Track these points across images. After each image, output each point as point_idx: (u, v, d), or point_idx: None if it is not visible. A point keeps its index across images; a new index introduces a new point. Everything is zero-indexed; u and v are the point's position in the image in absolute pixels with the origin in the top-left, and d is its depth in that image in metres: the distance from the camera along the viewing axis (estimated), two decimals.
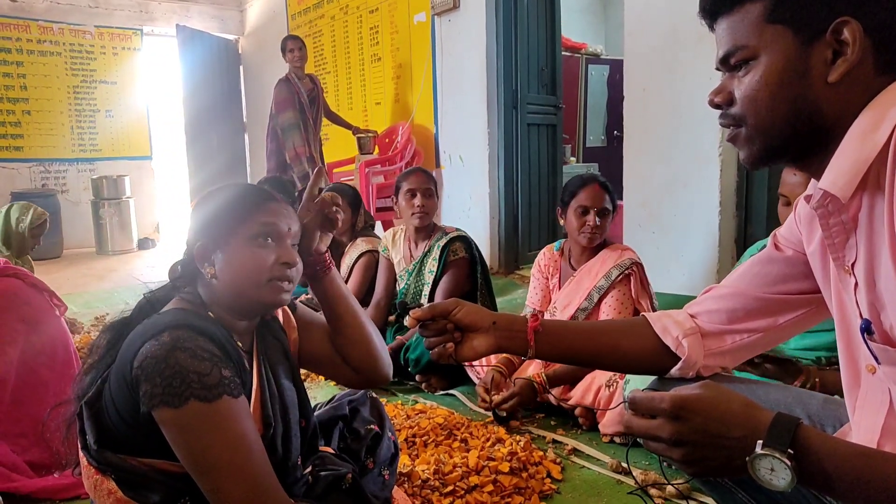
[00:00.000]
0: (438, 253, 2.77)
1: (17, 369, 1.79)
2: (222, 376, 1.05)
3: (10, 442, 1.78)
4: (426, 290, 2.78)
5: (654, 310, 2.26)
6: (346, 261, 3.19)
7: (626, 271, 2.24)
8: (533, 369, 2.32)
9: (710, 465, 0.78)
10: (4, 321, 1.79)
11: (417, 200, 2.75)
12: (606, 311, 2.25)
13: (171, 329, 1.06)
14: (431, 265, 2.78)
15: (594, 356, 1.15)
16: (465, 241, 2.81)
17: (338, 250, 3.23)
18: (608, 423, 2.03)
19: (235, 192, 1.21)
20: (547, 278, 2.51)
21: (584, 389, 2.13)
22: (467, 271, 2.79)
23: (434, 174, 3.01)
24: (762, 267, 1.05)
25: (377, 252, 3.11)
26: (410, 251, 2.91)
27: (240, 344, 1.19)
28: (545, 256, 2.53)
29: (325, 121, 5.54)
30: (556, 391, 2.20)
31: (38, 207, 3.43)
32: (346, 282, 3.14)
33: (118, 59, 7.92)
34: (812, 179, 0.89)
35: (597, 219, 2.27)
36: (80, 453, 1.16)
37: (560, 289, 2.42)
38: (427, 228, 2.85)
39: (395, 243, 2.97)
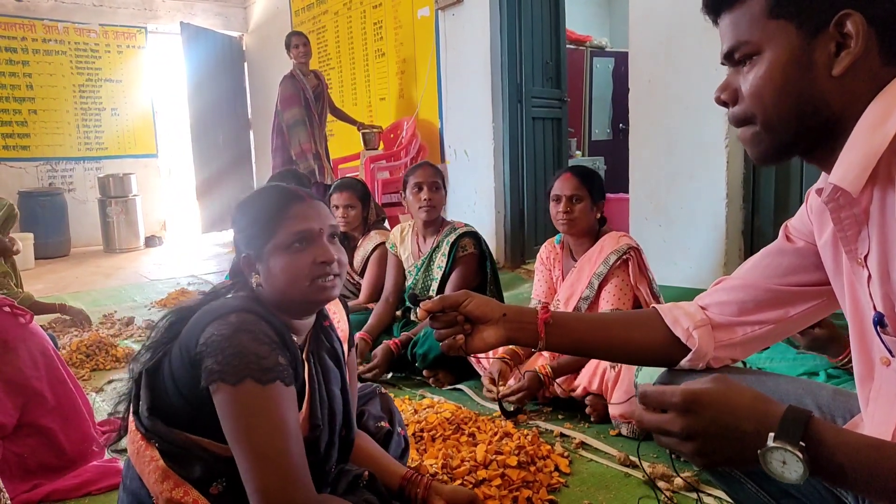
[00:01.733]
0: (447, 248, 2.76)
1: (5, 389, 1.80)
2: (278, 362, 1.09)
3: (29, 455, 1.80)
4: (434, 286, 2.78)
5: (653, 294, 2.27)
6: (360, 253, 3.20)
7: (624, 256, 2.25)
8: (540, 362, 2.32)
9: (722, 459, 0.78)
10: None
11: (424, 194, 2.75)
12: (607, 299, 2.25)
13: (237, 312, 1.11)
14: (440, 260, 2.78)
15: (604, 348, 1.14)
16: (475, 236, 2.81)
17: (350, 244, 3.24)
18: (619, 402, 2.03)
19: (262, 202, 1.24)
20: (550, 270, 2.52)
21: (590, 375, 2.13)
22: (476, 267, 2.78)
23: (441, 168, 3.01)
24: (773, 258, 1.05)
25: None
26: (419, 246, 2.91)
27: (296, 339, 1.22)
28: (546, 249, 2.55)
29: (329, 117, 5.54)
30: (561, 381, 2.20)
31: (2, 198, 3.34)
32: (362, 274, 3.17)
33: (123, 57, 7.94)
34: (823, 173, 0.88)
35: (568, 206, 2.30)
36: (130, 418, 1.19)
37: (563, 280, 2.42)
38: (435, 223, 2.84)
39: (402, 239, 2.96)
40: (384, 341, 2.69)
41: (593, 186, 2.34)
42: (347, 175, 5.56)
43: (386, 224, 3.66)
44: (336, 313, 1.42)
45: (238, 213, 1.26)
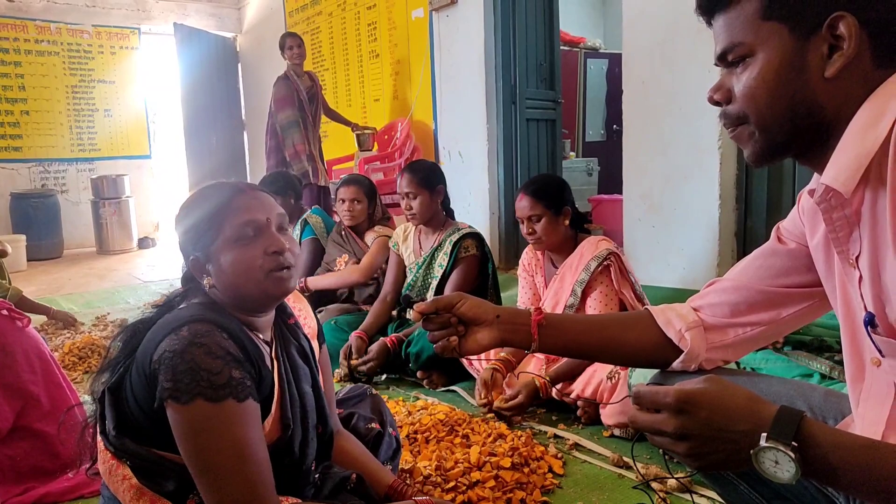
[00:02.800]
0: (450, 248, 2.77)
1: (2, 396, 1.79)
2: (231, 377, 1.05)
3: (22, 458, 1.79)
4: (434, 284, 2.78)
5: (637, 296, 2.26)
6: (369, 238, 3.23)
7: (605, 262, 2.24)
8: (534, 365, 2.32)
9: (715, 459, 0.78)
10: None
11: (404, 204, 2.80)
12: (593, 306, 2.24)
13: (190, 323, 1.07)
14: (442, 259, 2.79)
15: (597, 349, 1.14)
16: (478, 238, 2.82)
17: (359, 236, 3.26)
18: (610, 413, 2.02)
19: (204, 201, 1.20)
20: (532, 276, 2.52)
21: (585, 382, 2.13)
22: (477, 269, 2.79)
23: (431, 167, 2.99)
24: (765, 260, 1.05)
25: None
26: (420, 244, 2.92)
27: (262, 336, 1.20)
28: (527, 256, 2.55)
29: (324, 118, 5.53)
30: (557, 385, 2.20)
31: None
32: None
33: (116, 58, 7.91)
34: (815, 174, 0.89)
35: (530, 227, 2.32)
36: (98, 437, 1.17)
37: (546, 287, 2.42)
38: (433, 223, 2.85)
39: (405, 238, 2.98)
40: (380, 338, 2.69)
41: (550, 199, 2.30)
42: (341, 177, 5.56)
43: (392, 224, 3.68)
44: (301, 310, 1.39)
45: (180, 216, 1.22)
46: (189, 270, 1.22)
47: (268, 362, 1.18)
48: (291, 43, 5.12)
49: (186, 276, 1.24)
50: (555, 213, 2.30)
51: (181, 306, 1.19)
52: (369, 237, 3.23)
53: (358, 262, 3.20)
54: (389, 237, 3.11)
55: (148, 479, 1.10)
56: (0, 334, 1.83)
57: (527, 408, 2.18)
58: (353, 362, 2.63)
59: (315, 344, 1.38)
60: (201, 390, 1.02)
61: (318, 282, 3.23)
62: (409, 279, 2.89)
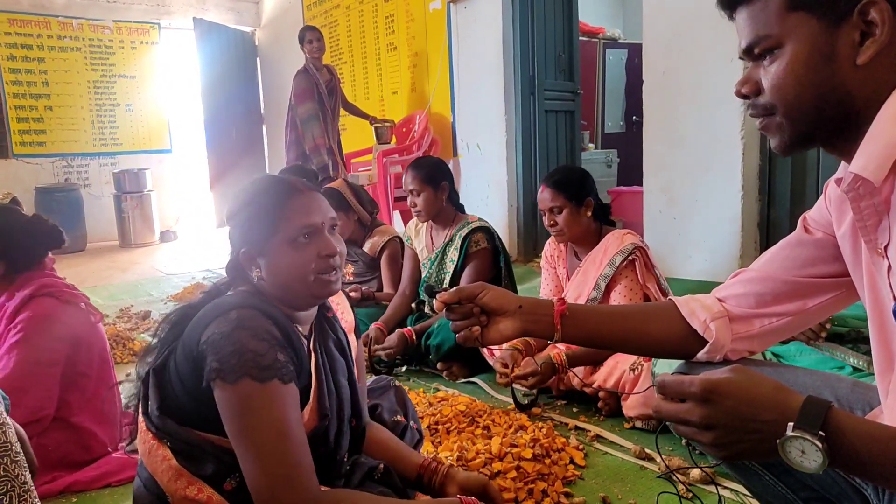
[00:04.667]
0: (459, 243, 2.77)
1: (59, 385, 1.83)
2: (276, 359, 1.09)
3: (54, 448, 1.83)
4: (447, 280, 2.79)
5: (662, 290, 2.25)
6: (368, 246, 3.20)
7: (630, 256, 2.22)
8: (554, 353, 2.32)
9: (741, 449, 0.78)
10: (45, 344, 1.79)
11: (409, 201, 2.83)
12: (617, 301, 2.22)
13: (238, 308, 1.11)
14: (453, 254, 2.79)
15: (621, 340, 1.14)
16: (487, 231, 2.81)
17: (355, 245, 3.23)
18: (632, 405, 2.02)
19: (262, 196, 1.22)
20: (555, 268, 2.51)
21: (607, 374, 2.12)
22: (490, 262, 2.79)
23: (435, 164, 2.92)
24: (791, 250, 1.04)
25: (398, 238, 3.13)
26: (432, 239, 2.93)
27: (301, 329, 1.22)
28: (550, 247, 2.54)
29: (342, 111, 5.54)
30: (579, 371, 2.19)
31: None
32: (372, 266, 3.18)
33: (136, 53, 7.98)
34: (842, 162, 0.88)
35: (551, 218, 2.32)
36: (140, 418, 1.20)
37: (569, 279, 2.41)
38: (444, 218, 2.86)
39: (417, 233, 2.99)
40: (398, 329, 2.71)
41: (571, 190, 2.28)
42: (360, 170, 5.58)
43: (397, 218, 3.65)
44: (339, 304, 1.42)
45: (235, 208, 1.24)
46: (237, 260, 1.24)
47: (305, 358, 1.20)
48: (311, 36, 5.13)
49: (233, 265, 1.26)
50: (576, 204, 2.28)
51: (228, 293, 1.23)
52: (370, 243, 3.19)
53: (365, 268, 3.20)
54: (393, 236, 3.10)
55: (187, 461, 1.13)
56: (74, 326, 1.87)
57: (545, 380, 2.16)
58: (373, 349, 2.66)
59: (352, 338, 1.40)
60: (248, 370, 1.06)
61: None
62: (423, 274, 2.90)
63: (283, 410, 1.08)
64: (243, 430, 1.06)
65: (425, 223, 2.95)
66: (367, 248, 3.20)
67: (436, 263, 2.84)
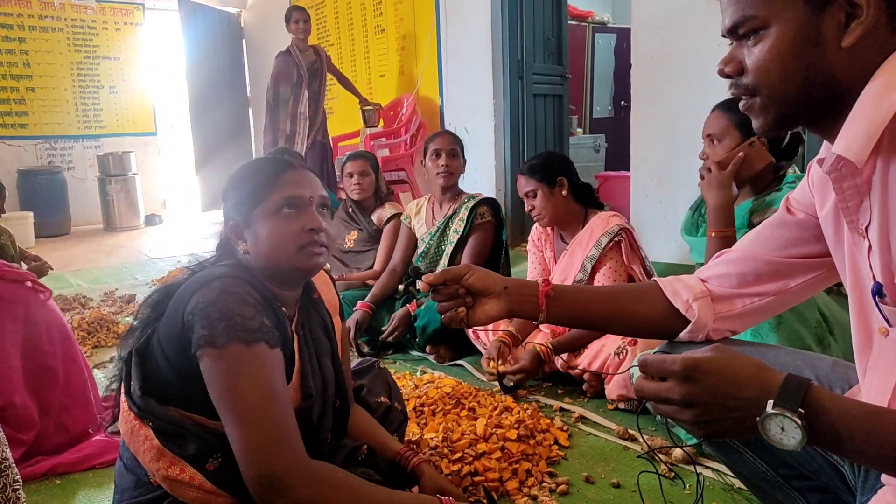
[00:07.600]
0: (466, 214, 2.80)
1: (23, 365, 1.81)
2: (263, 322, 1.10)
3: (34, 431, 1.82)
4: (448, 251, 2.80)
5: (647, 272, 2.27)
6: (375, 217, 3.24)
7: (616, 238, 2.24)
8: (540, 339, 2.33)
9: (721, 427, 0.78)
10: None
11: (442, 160, 2.81)
12: (602, 282, 2.24)
13: (220, 278, 1.12)
14: (458, 225, 2.81)
15: (605, 320, 1.15)
16: (492, 205, 2.86)
17: (365, 212, 3.27)
18: (613, 386, 2.04)
19: (254, 169, 1.26)
20: (542, 252, 2.52)
21: (592, 357, 2.14)
22: (493, 235, 2.82)
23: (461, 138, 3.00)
24: (773, 230, 1.05)
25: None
26: (433, 215, 2.94)
27: (284, 310, 1.22)
28: (537, 231, 2.55)
29: (329, 94, 5.48)
30: (563, 355, 2.21)
31: None
32: (374, 239, 3.20)
33: (120, 34, 7.86)
34: (824, 143, 0.88)
35: (529, 203, 2.36)
36: (122, 398, 1.19)
37: (556, 262, 2.42)
38: (453, 191, 2.88)
39: (418, 212, 3.01)
40: (403, 305, 2.72)
41: (542, 173, 2.32)
42: (347, 153, 5.53)
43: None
44: (324, 286, 1.43)
45: (230, 184, 1.26)
46: (226, 235, 1.26)
47: (288, 334, 1.20)
48: (298, 17, 5.07)
49: (222, 242, 1.28)
50: (548, 185, 2.31)
51: (213, 266, 1.23)
52: (378, 214, 3.23)
53: (368, 237, 3.21)
54: (400, 213, 3.11)
55: (169, 441, 1.12)
56: (24, 306, 1.85)
57: (532, 374, 2.20)
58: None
59: (337, 320, 1.40)
60: (237, 334, 1.06)
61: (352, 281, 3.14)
62: (421, 248, 2.91)
63: (270, 373, 1.08)
64: (230, 391, 1.06)
65: (427, 201, 2.97)
66: (374, 217, 3.23)
67: (436, 236, 2.86)
